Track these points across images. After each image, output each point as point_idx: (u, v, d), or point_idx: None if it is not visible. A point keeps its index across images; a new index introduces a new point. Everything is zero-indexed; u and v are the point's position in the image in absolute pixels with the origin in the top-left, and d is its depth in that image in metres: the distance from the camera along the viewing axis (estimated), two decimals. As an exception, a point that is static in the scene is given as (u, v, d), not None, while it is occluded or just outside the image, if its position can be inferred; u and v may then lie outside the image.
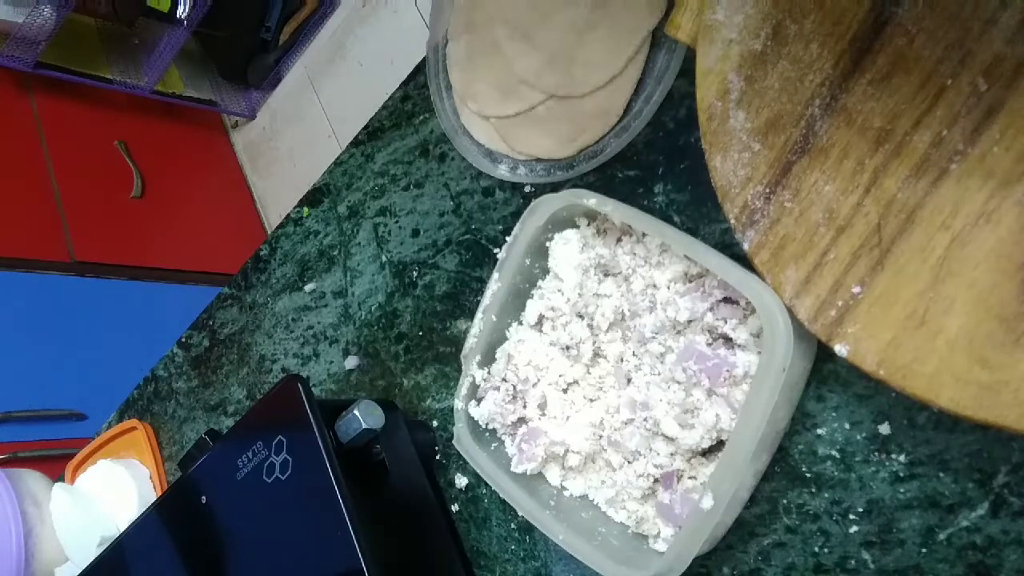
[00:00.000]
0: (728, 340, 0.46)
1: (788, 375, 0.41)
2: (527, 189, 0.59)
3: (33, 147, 1.92)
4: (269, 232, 0.78)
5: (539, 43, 0.53)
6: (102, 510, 0.80)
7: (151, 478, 0.82)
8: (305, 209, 0.74)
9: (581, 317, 0.51)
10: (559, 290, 0.51)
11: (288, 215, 0.75)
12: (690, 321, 0.46)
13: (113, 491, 0.81)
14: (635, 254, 0.49)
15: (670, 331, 0.47)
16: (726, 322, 0.45)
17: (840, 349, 0.39)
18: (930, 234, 0.38)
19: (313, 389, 0.69)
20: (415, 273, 0.65)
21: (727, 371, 0.45)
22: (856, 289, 0.39)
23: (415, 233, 0.66)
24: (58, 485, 0.81)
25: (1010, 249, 0.36)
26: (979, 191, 0.37)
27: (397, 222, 0.67)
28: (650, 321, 0.47)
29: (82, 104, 2.04)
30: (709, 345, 0.46)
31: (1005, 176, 0.36)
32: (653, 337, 0.48)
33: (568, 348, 0.51)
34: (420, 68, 0.66)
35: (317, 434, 0.53)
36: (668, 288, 0.47)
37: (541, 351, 0.51)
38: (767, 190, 0.42)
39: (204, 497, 0.59)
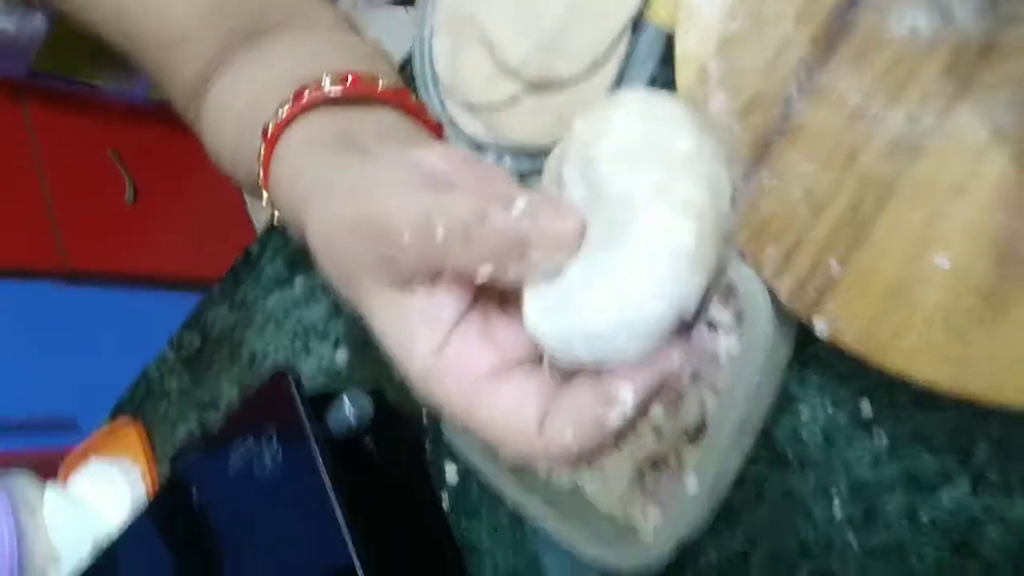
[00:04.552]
0: (712, 323, 0.46)
1: (770, 356, 0.41)
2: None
3: (25, 155, 1.92)
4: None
5: (522, 33, 0.54)
6: (95, 511, 0.80)
7: (143, 478, 0.82)
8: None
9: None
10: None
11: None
12: (673, 305, 0.46)
13: (106, 491, 0.81)
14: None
15: (654, 316, 0.47)
16: (709, 305, 0.45)
17: (820, 327, 0.40)
18: (906, 210, 0.38)
19: (305, 384, 0.69)
20: (403, 266, 0.65)
21: (711, 354, 0.45)
22: (835, 267, 0.39)
23: (402, 227, 0.66)
24: (50, 487, 0.81)
25: (985, 223, 0.36)
26: (953, 166, 0.37)
27: (385, 216, 0.68)
28: (634, 306, 0.48)
29: (75, 111, 2.04)
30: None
31: (978, 150, 0.36)
32: (637, 322, 0.48)
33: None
34: (407, 62, 0.66)
35: (307, 426, 0.54)
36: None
37: (527, 339, 0.52)
38: (747, 170, 0.42)
39: (196, 493, 0.59)
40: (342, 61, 0.41)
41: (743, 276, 0.41)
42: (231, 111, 0.45)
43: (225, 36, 0.47)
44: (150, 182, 2.10)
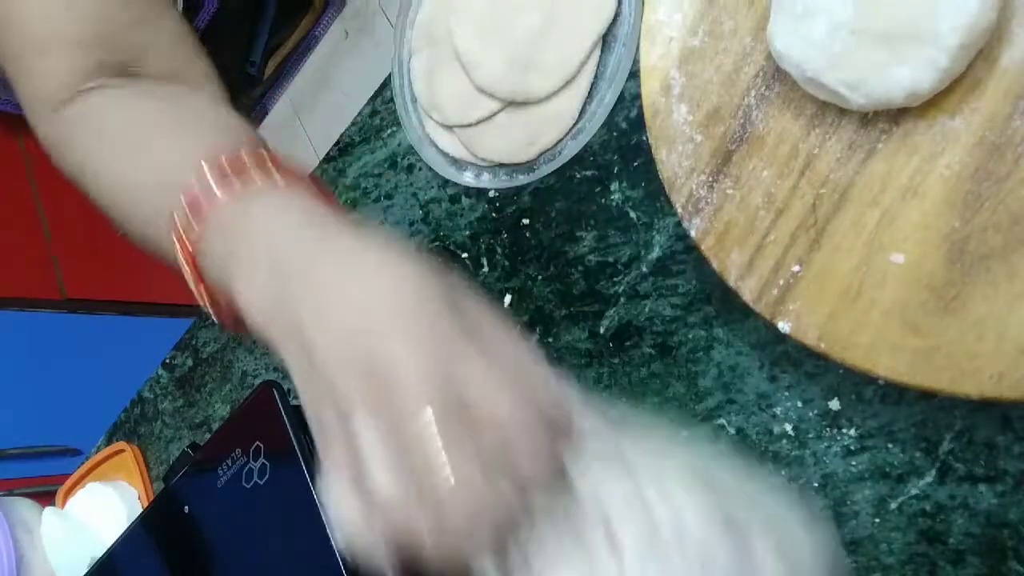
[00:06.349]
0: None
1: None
2: (491, 194, 0.61)
3: (22, 187, 1.93)
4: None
5: (495, 53, 0.56)
6: (92, 533, 0.81)
7: (140, 499, 0.82)
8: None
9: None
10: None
11: (265, 233, 0.77)
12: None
13: (103, 513, 0.82)
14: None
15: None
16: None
17: (783, 326, 0.41)
18: (861, 211, 0.39)
19: (293, 402, 0.70)
20: (388, 282, 0.67)
21: None
22: (796, 268, 0.41)
23: (388, 243, 0.68)
24: (48, 510, 0.82)
25: (936, 221, 0.38)
26: (905, 167, 0.38)
27: (370, 234, 0.69)
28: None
29: (71, 143, 2.06)
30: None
31: (928, 151, 0.38)
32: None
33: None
34: (387, 83, 0.68)
35: (292, 438, 0.55)
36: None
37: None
38: (710, 179, 0.44)
39: (187, 506, 0.60)
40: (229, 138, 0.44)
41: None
42: (123, 146, 0.49)
43: (93, 64, 0.50)
44: (146, 210, 2.11)
